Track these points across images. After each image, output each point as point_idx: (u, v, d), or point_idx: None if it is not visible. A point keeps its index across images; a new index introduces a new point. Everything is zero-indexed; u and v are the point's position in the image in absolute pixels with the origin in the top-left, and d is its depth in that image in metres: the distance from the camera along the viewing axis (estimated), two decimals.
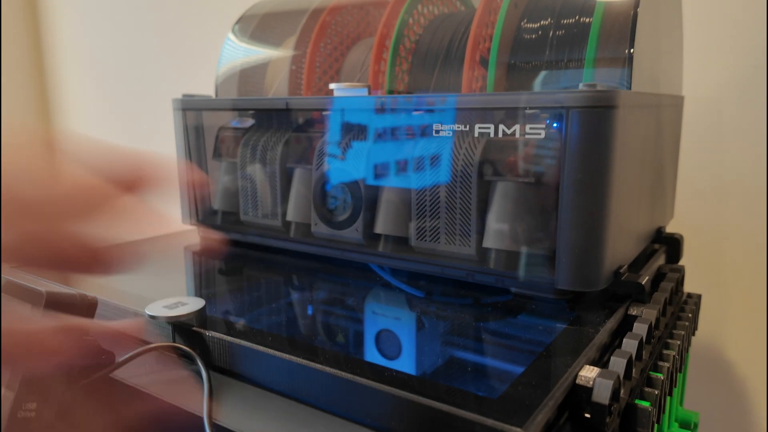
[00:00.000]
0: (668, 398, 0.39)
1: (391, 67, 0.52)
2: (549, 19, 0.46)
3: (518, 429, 0.24)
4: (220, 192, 0.58)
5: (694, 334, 0.51)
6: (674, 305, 0.47)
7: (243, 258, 0.54)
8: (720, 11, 0.66)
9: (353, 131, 0.48)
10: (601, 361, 0.34)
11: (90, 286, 0.45)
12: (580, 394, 0.28)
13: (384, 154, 0.47)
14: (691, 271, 0.67)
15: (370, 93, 0.48)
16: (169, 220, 0.25)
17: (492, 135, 0.40)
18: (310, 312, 0.41)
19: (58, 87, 1.40)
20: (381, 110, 0.46)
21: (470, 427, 0.25)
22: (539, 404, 0.26)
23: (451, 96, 0.41)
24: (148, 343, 0.34)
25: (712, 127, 0.68)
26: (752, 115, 0.65)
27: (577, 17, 0.45)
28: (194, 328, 0.35)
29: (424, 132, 0.44)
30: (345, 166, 0.48)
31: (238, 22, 0.64)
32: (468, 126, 0.41)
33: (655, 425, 0.36)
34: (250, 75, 0.62)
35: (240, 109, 0.56)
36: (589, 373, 0.29)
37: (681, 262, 0.56)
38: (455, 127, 0.41)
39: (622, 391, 0.30)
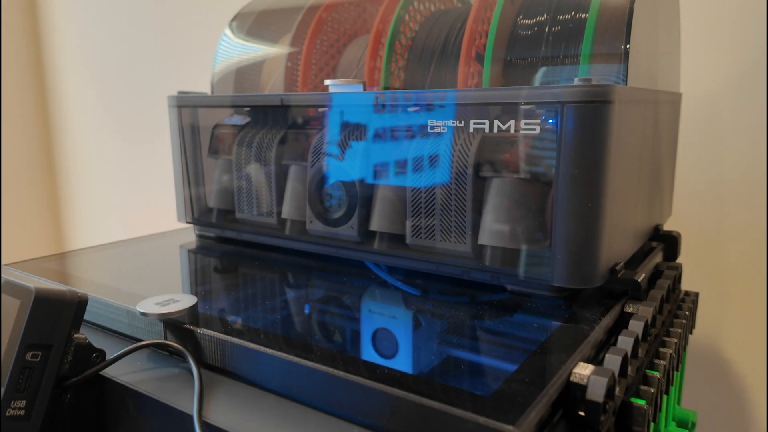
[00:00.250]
0: (665, 397, 0.39)
1: (386, 63, 0.52)
2: (545, 15, 0.46)
3: (511, 427, 0.24)
4: (215, 190, 0.57)
5: (691, 333, 0.50)
6: (671, 303, 0.46)
7: (238, 255, 0.54)
8: (718, 8, 0.65)
9: (349, 128, 0.47)
10: (596, 358, 0.34)
11: (82, 283, 0.45)
12: (574, 391, 0.28)
13: (379, 151, 0.46)
14: (689, 269, 0.67)
15: (365, 89, 0.48)
16: None
17: (487, 131, 0.39)
18: (304, 310, 0.41)
19: (57, 84, 1.40)
20: (376, 106, 0.45)
21: (463, 425, 0.24)
22: (532, 402, 0.26)
23: (446, 92, 0.41)
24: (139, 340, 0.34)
25: (711, 124, 0.68)
26: (751, 112, 0.65)
27: (572, 13, 0.44)
28: (186, 326, 0.35)
29: (420, 128, 0.43)
30: (340, 164, 0.48)
31: (234, 19, 0.64)
32: (463, 122, 0.41)
33: (652, 424, 0.36)
34: (246, 72, 0.62)
35: (235, 106, 0.55)
36: (583, 370, 0.29)
37: (679, 260, 0.55)
38: (450, 123, 0.41)
39: (617, 389, 0.30)
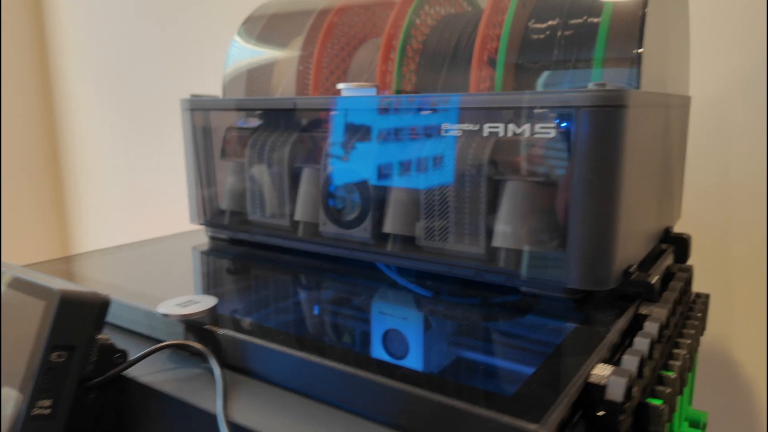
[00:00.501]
0: (679, 397, 0.39)
1: (398, 67, 0.53)
2: (557, 19, 0.47)
3: (535, 426, 0.24)
4: (227, 192, 0.58)
5: (702, 334, 0.51)
6: (683, 305, 0.47)
7: (251, 257, 0.54)
8: (724, 10, 0.66)
9: (361, 131, 0.48)
10: (612, 360, 0.34)
11: (98, 285, 0.45)
12: (593, 392, 0.29)
13: (392, 154, 0.47)
14: (697, 271, 0.67)
15: (378, 93, 0.48)
16: None
17: (501, 135, 0.40)
18: (320, 311, 0.42)
19: (61, 84, 1.40)
20: (390, 110, 0.46)
21: (486, 425, 0.25)
22: (554, 402, 0.26)
23: (460, 96, 0.41)
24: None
25: (718, 126, 0.68)
26: (758, 114, 0.66)
27: (585, 17, 0.45)
28: (207, 326, 0.35)
29: (433, 132, 0.44)
30: (353, 166, 0.48)
31: (245, 22, 0.64)
32: (477, 126, 0.41)
33: (667, 424, 0.36)
34: (256, 75, 0.63)
35: (248, 109, 0.56)
36: (602, 371, 0.29)
37: (688, 262, 0.56)
38: (464, 126, 0.42)
39: (634, 389, 0.30)
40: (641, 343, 0.33)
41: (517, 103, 0.39)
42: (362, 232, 0.48)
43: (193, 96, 0.57)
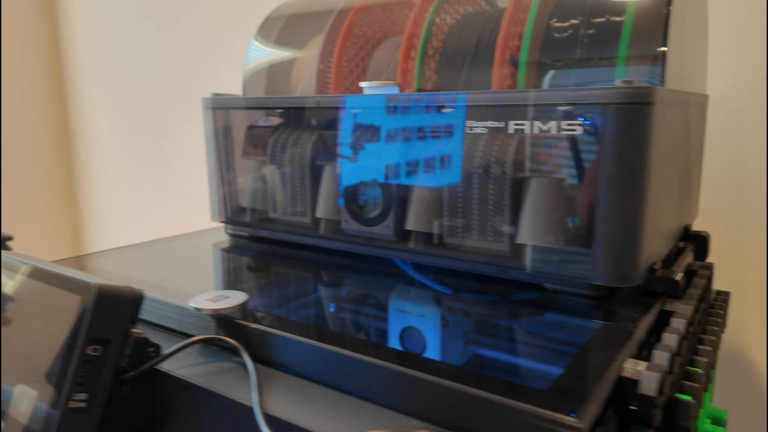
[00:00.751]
0: (705, 394, 0.39)
1: (419, 65, 0.53)
2: (579, 18, 0.47)
3: (573, 418, 0.24)
4: (248, 190, 0.58)
5: (723, 332, 0.51)
6: (705, 302, 0.47)
7: (273, 254, 0.55)
8: (739, 8, 0.66)
9: (383, 129, 0.48)
10: (639, 356, 0.35)
11: (127, 282, 0.45)
12: (626, 386, 0.29)
13: (415, 152, 0.47)
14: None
15: (401, 91, 0.48)
16: None
17: (527, 132, 0.40)
18: (346, 307, 0.42)
19: (76, 86, 1.41)
20: (413, 108, 0.46)
21: (523, 418, 0.25)
22: (589, 395, 0.26)
23: (486, 93, 0.42)
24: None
25: (733, 124, 0.68)
26: None
27: (608, 16, 0.45)
28: (238, 321, 0.35)
29: (457, 129, 0.44)
30: (375, 164, 0.49)
31: (264, 22, 0.65)
32: (503, 123, 0.41)
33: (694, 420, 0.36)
34: (276, 74, 0.63)
35: (271, 108, 0.56)
36: (635, 366, 0.29)
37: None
38: (489, 124, 0.42)
39: (665, 384, 0.30)
40: (670, 339, 0.33)
41: (544, 100, 0.39)
42: (385, 229, 0.49)
43: (214, 95, 0.58)
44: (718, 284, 0.69)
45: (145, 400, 0.34)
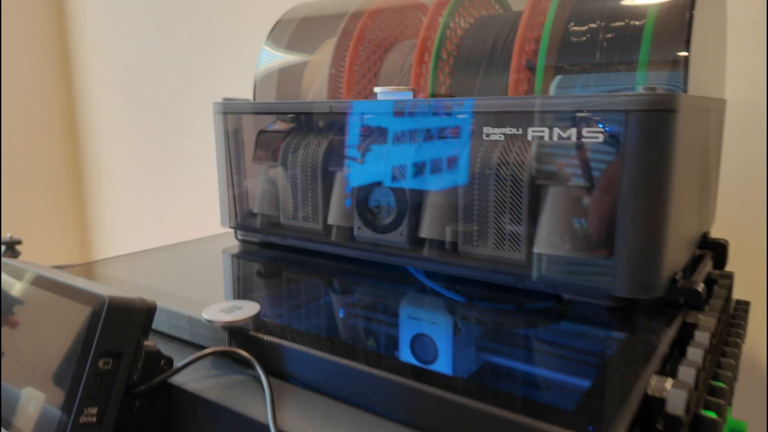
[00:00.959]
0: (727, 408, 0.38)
1: (433, 70, 0.52)
2: (598, 22, 0.46)
3: None
4: (259, 195, 0.58)
5: (744, 342, 0.50)
6: (726, 313, 0.46)
7: (285, 261, 0.54)
8: (758, 9, 0.65)
9: (397, 135, 0.47)
10: (663, 371, 0.34)
11: (138, 290, 0.45)
12: (653, 405, 0.28)
13: (429, 158, 0.46)
14: None
15: (415, 96, 0.48)
16: None
17: (546, 139, 0.39)
18: (361, 318, 0.41)
19: (84, 92, 1.41)
20: (428, 114, 0.45)
21: None
22: (616, 416, 0.25)
23: (503, 99, 0.41)
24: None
25: (750, 128, 0.67)
26: None
27: (628, 20, 0.44)
28: (252, 333, 0.35)
29: (473, 135, 0.43)
30: (389, 170, 0.48)
31: (275, 26, 0.64)
32: (520, 129, 0.41)
33: None
34: (287, 78, 0.62)
35: (283, 113, 0.56)
36: (660, 383, 0.28)
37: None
38: (507, 130, 0.41)
39: (691, 402, 0.29)
40: (695, 354, 0.32)
41: (564, 106, 0.38)
42: (398, 236, 0.48)
43: (225, 99, 0.57)
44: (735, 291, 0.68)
45: (156, 414, 0.33)
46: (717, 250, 0.54)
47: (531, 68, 0.48)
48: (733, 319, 0.47)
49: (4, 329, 0.35)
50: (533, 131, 0.40)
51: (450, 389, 0.28)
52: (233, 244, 0.60)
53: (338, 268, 0.52)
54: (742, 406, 0.69)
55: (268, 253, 0.57)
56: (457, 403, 0.27)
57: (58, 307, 0.34)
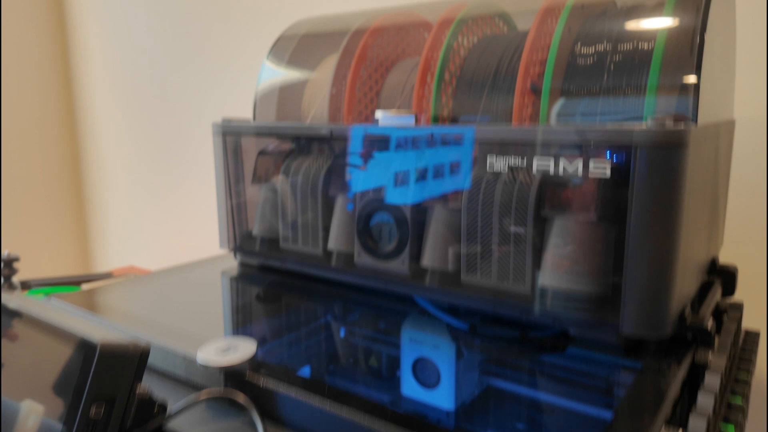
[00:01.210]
0: None
1: (436, 92, 0.51)
2: (605, 44, 0.45)
3: None
4: (258, 217, 0.57)
5: (753, 374, 0.49)
6: (736, 346, 0.45)
7: (286, 287, 0.53)
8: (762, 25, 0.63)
9: (399, 160, 0.46)
10: (673, 416, 0.33)
11: (132, 321, 0.44)
12: None
13: (432, 185, 0.45)
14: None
15: (417, 121, 0.47)
16: None
17: (551, 171, 0.38)
18: (364, 355, 0.40)
19: (85, 105, 1.41)
20: (431, 140, 0.44)
21: None
22: None
23: (509, 129, 0.40)
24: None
25: (757, 146, 0.66)
26: None
27: (636, 43, 0.43)
28: (248, 377, 0.34)
29: (476, 163, 0.42)
30: (390, 196, 0.47)
31: (276, 43, 0.63)
32: (524, 159, 0.39)
33: None
34: (288, 97, 0.61)
35: (282, 135, 0.55)
36: None
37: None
38: (511, 160, 0.40)
39: None
40: (706, 402, 0.31)
41: (571, 137, 0.37)
42: (399, 264, 0.47)
43: (224, 120, 0.56)
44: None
45: None
46: (726, 277, 0.52)
47: (536, 91, 0.47)
48: (743, 351, 0.46)
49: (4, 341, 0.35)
50: (538, 162, 0.39)
51: None
52: (233, 265, 0.59)
53: (339, 295, 0.51)
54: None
55: (268, 277, 0.56)
56: None
57: (50, 349, 0.33)
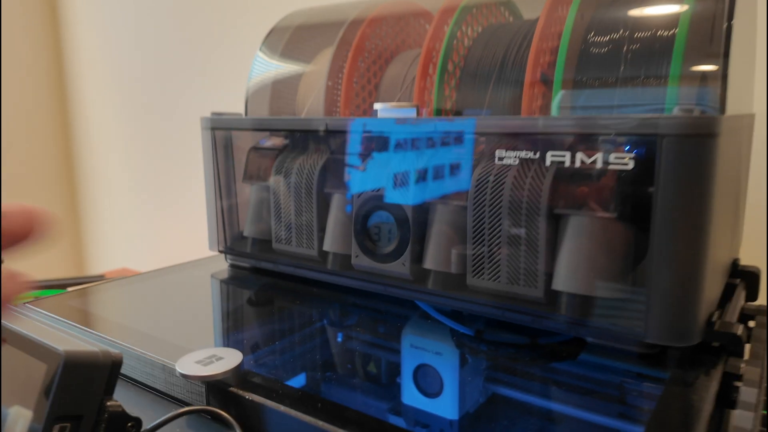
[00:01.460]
0: None
1: (439, 84, 0.48)
2: (621, 31, 0.42)
3: None
4: (250, 218, 0.53)
5: None
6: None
7: (277, 290, 0.50)
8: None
9: (400, 155, 0.43)
10: None
11: (108, 326, 0.41)
12: None
13: (435, 182, 0.42)
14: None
15: (419, 114, 0.43)
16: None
17: (568, 164, 0.35)
18: (359, 363, 0.37)
19: (79, 104, 1.38)
20: (434, 134, 0.41)
21: None
22: None
23: (520, 119, 0.37)
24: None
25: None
26: None
27: (656, 29, 0.40)
28: (231, 389, 0.30)
29: (484, 157, 0.39)
30: (390, 193, 0.44)
31: (269, 34, 0.60)
32: (537, 153, 0.36)
33: None
34: (281, 90, 0.58)
35: (276, 129, 0.52)
36: None
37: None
38: (522, 154, 0.37)
39: None
40: (745, 420, 0.28)
41: (589, 128, 0.34)
42: (400, 266, 0.43)
43: (214, 114, 0.53)
44: None
45: None
46: (749, 279, 0.49)
47: (546, 82, 0.44)
48: None
49: None
50: (552, 155, 0.35)
51: None
52: (222, 267, 0.56)
53: (334, 299, 0.47)
54: None
55: (259, 280, 0.52)
56: None
57: (18, 362, 0.30)
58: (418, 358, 0.37)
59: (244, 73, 0.61)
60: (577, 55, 0.43)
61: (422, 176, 0.42)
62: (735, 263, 0.49)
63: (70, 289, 0.79)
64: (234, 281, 0.53)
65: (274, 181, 0.50)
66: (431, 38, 0.49)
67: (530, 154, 0.36)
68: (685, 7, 0.39)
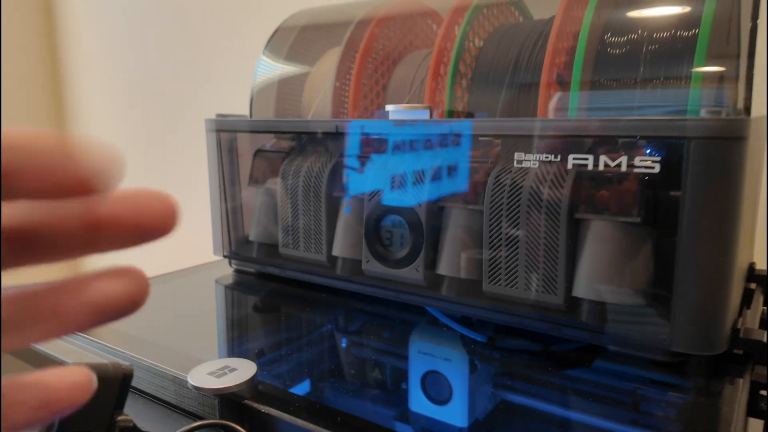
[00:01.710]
0: None
1: (451, 85, 0.47)
2: (639, 31, 0.41)
3: None
4: (255, 221, 0.52)
5: None
6: None
7: (284, 297, 0.49)
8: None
9: (413, 158, 0.42)
10: None
11: (115, 335, 0.39)
12: None
13: (449, 185, 0.41)
14: None
15: (431, 115, 0.42)
16: None
17: (591, 167, 0.34)
18: (374, 372, 0.36)
19: (77, 106, 1.36)
20: (447, 136, 0.40)
21: None
22: None
23: (541, 121, 0.36)
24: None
25: None
26: None
27: (675, 30, 0.39)
28: (246, 402, 0.29)
29: (501, 160, 0.38)
30: (403, 197, 0.42)
31: (274, 34, 0.59)
32: (558, 156, 0.35)
33: None
34: (287, 91, 0.57)
35: (282, 132, 0.50)
36: None
37: None
38: (543, 157, 0.36)
39: None
40: None
41: (614, 130, 0.33)
42: (413, 272, 0.42)
43: (218, 116, 0.52)
44: None
45: None
46: (766, 284, 0.48)
47: (562, 83, 0.43)
48: None
49: None
50: (574, 158, 0.34)
51: None
52: (227, 272, 0.55)
53: (345, 306, 0.46)
54: None
55: (266, 286, 0.51)
56: None
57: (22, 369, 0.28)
58: (437, 367, 0.36)
59: (248, 73, 0.59)
60: (594, 56, 0.42)
61: (436, 179, 0.41)
62: (751, 267, 0.48)
63: None
64: (240, 287, 0.52)
65: (281, 184, 0.49)
66: (442, 38, 0.48)
67: (551, 157, 0.35)
68: (706, 7, 0.38)
